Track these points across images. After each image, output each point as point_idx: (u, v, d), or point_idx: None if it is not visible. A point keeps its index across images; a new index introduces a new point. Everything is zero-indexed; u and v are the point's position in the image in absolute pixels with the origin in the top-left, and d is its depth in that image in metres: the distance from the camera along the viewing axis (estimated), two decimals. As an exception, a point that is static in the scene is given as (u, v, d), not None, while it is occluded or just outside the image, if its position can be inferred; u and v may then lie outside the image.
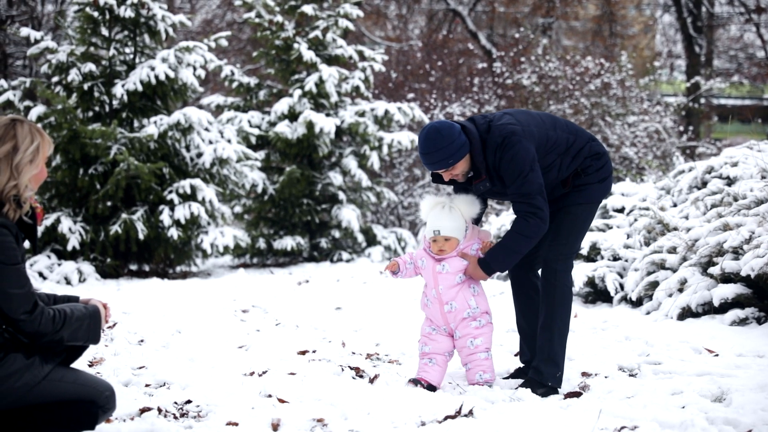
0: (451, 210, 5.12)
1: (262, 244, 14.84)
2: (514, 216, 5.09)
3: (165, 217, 11.94)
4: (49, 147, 3.91)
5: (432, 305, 5.21)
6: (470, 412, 4.43)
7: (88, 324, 3.85)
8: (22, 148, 3.77)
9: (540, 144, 5.06)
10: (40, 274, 11.21)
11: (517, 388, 5.02)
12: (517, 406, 4.61)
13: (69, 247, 11.52)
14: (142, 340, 6.82)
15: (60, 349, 3.84)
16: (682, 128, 21.87)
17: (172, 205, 12.12)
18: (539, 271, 5.29)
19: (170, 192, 12.17)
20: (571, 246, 5.23)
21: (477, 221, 5.32)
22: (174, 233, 11.93)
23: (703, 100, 26.80)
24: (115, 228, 11.67)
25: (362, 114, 15.38)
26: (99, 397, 3.85)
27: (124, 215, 11.78)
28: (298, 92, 14.98)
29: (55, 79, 12.73)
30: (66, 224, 11.57)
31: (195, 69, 12.93)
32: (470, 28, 28.13)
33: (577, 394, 4.93)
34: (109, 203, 12.10)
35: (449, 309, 5.14)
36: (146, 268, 12.84)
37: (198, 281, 11.79)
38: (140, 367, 5.68)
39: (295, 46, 15.17)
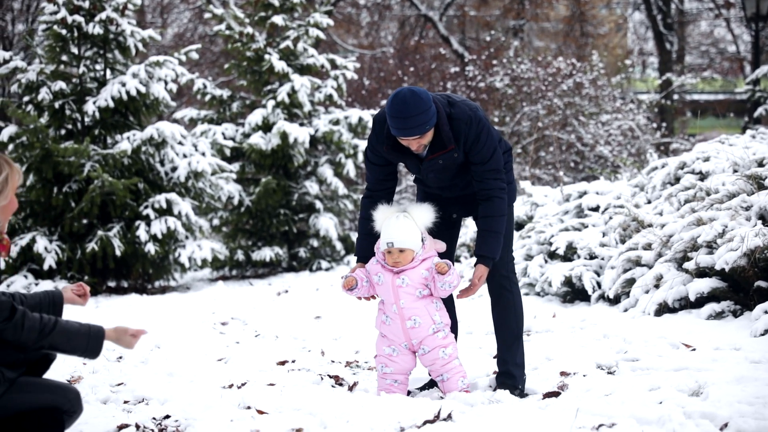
0: (405, 220, 4.93)
1: (240, 255, 14.80)
2: (486, 197, 4.97)
3: (141, 233, 11.87)
4: (18, 177, 3.84)
5: (392, 322, 5.01)
6: (449, 416, 4.44)
7: (86, 338, 3.81)
8: None
9: None
10: (18, 295, 11.11)
11: (495, 390, 5.03)
12: (495, 408, 4.62)
13: (45, 266, 11.42)
14: (120, 357, 6.78)
15: (21, 361, 3.78)
16: (655, 125, 21.94)
17: (148, 221, 12.06)
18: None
19: (146, 207, 12.11)
20: (511, 250, 5.30)
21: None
22: (151, 248, 11.87)
23: (676, 96, 26.95)
24: (92, 245, 11.60)
25: (336, 122, 15.36)
26: (63, 403, 3.79)
27: (100, 232, 11.70)
28: (271, 103, 14.95)
29: (25, 98, 12.60)
30: (42, 243, 11.48)
31: (166, 83, 12.86)
32: (442, 33, 28.19)
33: (555, 394, 4.94)
34: (84, 221, 12.05)
35: (412, 325, 4.96)
36: (125, 284, 12.75)
37: (177, 295, 11.74)
38: (119, 384, 5.64)
39: (267, 56, 15.15)
